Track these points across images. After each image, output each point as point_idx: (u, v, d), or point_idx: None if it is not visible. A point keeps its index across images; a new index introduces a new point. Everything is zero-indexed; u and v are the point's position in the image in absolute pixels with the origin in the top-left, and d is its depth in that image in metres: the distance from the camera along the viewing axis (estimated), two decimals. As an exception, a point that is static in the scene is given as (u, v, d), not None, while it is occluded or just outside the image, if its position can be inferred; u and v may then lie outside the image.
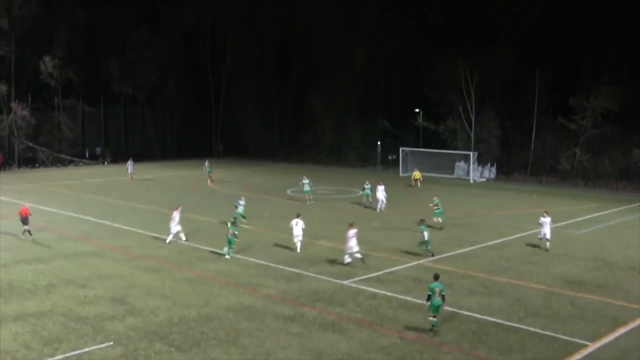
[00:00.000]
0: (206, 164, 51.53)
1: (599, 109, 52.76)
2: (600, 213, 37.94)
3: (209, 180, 49.73)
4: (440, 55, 58.92)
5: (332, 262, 24.57)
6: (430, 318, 17.20)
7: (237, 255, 25.38)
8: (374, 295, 20.35)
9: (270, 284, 21.56)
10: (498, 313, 18.78)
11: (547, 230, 27.09)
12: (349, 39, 66.81)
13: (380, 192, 37.13)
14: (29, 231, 28.52)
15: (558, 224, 33.47)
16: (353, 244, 23.99)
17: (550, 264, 24.88)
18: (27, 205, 30.52)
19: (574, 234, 31.23)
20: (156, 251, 26.10)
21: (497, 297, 20.33)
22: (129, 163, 52.89)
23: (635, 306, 19.61)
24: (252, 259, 24.92)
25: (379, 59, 67.71)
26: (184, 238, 27.77)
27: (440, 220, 32.09)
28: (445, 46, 59.40)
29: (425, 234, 25.57)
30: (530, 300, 20.08)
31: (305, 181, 40.29)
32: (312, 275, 22.67)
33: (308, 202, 39.21)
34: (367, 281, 21.96)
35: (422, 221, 26.55)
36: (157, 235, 29.04)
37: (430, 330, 17.16)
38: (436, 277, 17.74)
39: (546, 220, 27.16)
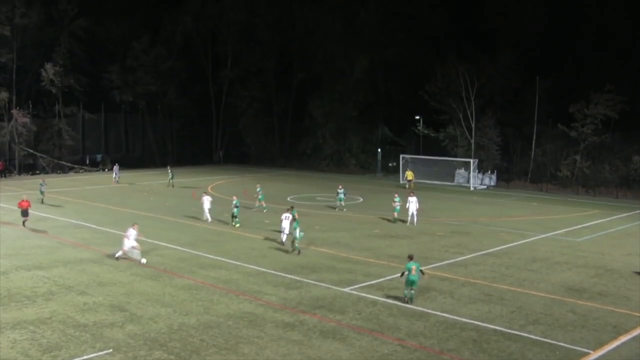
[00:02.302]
0: (169, 170, 53.09)
1: (598, 116, 52.80)
2: (601, 220, 37.88)
3: (170, 186, 51.29)
4: (441, 63, 59.05)
5: (333, 269, 24.53)
6: (405, 291, 20.17)
7: (237, 262, 25.36)
8: (374, 303, 20.29)
9: (270, 291, 21.50)
10: (499, 321, 18.72)
11: None
12: (349, 46, 66.96)
13: (413, 204, 35.42)
14: (24, 222, 32.51)
15: (559, 231, 33.57)
16: (285, 225, 28.56)
17: (551, 272, 24.82)
18: (25, 197, 33.83)
19: (574, 242, 31.17)
20: (156, 258, 26.02)
21: (498, 305, 20.26)
22: (115, 168, 55.52)
23: (637, 314, 19.54)
24: (252, 266, 24.88)
25: (379, 65, 67.86)
26: (140, 258, 25.04)
27: (396, 215, 35.42)
28: (446, 53, 59.57)
29: (297, 230, 26.91)
30: (531, 307, 20.01)
31: (258, 189, 40.32)
32: (312, 282, 22.61)
33: (257, 207, 39.11)
34: (368, 288, 21.90)
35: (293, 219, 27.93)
36: (158, 242, 29.00)
37: (409, 300, 20.10)
38: (410, 257, 20.43)
39: None
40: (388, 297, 20.86)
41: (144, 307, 19.59)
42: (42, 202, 41.42)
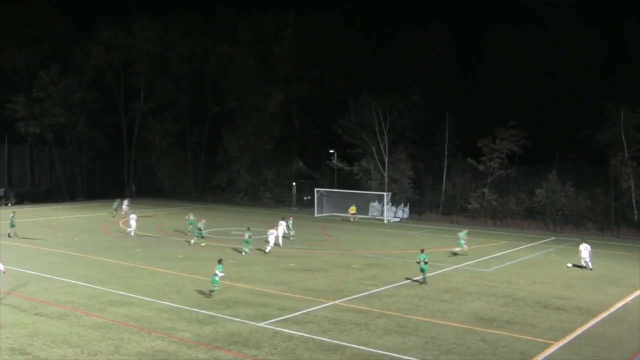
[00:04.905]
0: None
1: (504, 151, 55.15)
2: (508, 251, 39.33)
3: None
4: (354, 98, 60.31)
5: (248, 303, 24.21)
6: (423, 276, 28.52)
7: (149, 299, 24.61)
8: (290, 337, 20.12)
9: (184, 327, 20.96)
10: (413, 351, 18.95)
11: (585, 255, 32.86)
12: (263, 81, 67.32)
13: (281, 228, 39.46)
14: None
15: (469, 262, 34.58)
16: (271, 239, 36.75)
17: (462, 302, 25.46)
18: None
19: (484, 272, 32.16)
20: (63, 297, 24.89)
21: (412, 336, 20.54)
22: (125, 201, 56.52)
23: (541, 340, 20.29)
24: (165, 302, 24.19)
25: (294, 100, 68.54)
26: None
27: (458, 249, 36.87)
28: (359, 89, 60.96)
29: (218, 272, 25.23)
30: (444, 337, 20.40)
31: (194, 219, 43.39)
32: (227, 317, 22.22)
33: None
34: (284, 322, 21.73)
35: (220, 261, 26.02)
36: (65, 279, 27.80)
37: (424, 281, 28.49)
38: (422, 250, 29.18)
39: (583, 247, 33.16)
40: (304, 330, 20.75)
41: (48, 349, 18.60)
42: (16, 235, 41.14)
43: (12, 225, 41.44)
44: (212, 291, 25.16)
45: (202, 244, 38.33)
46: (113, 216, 53.14)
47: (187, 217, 44.67)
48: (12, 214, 42.87)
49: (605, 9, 59.65)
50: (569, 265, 33.91)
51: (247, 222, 48.76)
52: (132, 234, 42.20)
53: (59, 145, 72.70)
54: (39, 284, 26.96)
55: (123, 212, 53.93)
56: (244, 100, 68.55)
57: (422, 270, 28.40)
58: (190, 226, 43.31)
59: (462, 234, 37.44)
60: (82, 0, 73.36)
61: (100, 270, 30.60)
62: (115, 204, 55.62)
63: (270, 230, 37.06)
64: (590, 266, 32.75)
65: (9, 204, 63.07)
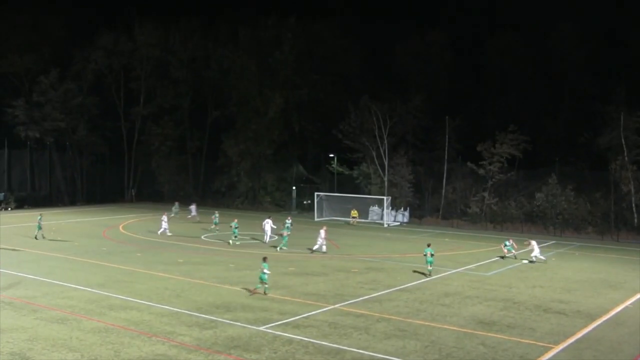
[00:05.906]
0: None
1: (504, 155, 55.23)
2: (508, 255, 39.23)
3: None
4: (354, 102, 60.40)
5: (248, 307, 24.21)
6: (428, 268, 31.20)
7: (149, 303, 24.60)
8: (290, 341, 20.11)
9: (184, 331, 20.95)
10: (413, 356, 18.94)
11: (536, 251, 36.33)
12: (263, 86, 67.43)
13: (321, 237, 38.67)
14: None
15: (469, 266, 34.60)
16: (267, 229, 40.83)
17: (463, 305, 25.44)
18: None
19: (484, 276, 32.16)
20: (63, 301, 24.87)
21: (412, 340, 20.53)
22: (193, 207, 56.20)
23: (541, 344, 20.28)
24: (165, 307, 24.19)
25: (294, 105, 68.62)
26: None
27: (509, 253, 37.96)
28: (359, 93, 61.07)
29: (266, 271, 26.03)
30: (444, 341, 20.38)
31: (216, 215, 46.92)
32: (227, 321, 22.21)
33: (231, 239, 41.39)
34: (284, 326, 21.72)
35: (264, 259, 26.54)
36: (65, 284, 27.79)
37: (429, 274, 30.98)
38: (428, 245, 31.90)
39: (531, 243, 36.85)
40: (304, 335, 20.74)
41: (48, 353, 18.59)
42: (44, 237, 41.48)
43: (40, 228, 41.69)
44: (265, 289, 26.14)
45: (238, 243, 40.50)
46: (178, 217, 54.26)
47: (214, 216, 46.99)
48: (39, 217, 42.84)
49: (605, 13, 59.83)
50: (533, 261, 36.19)
51: (247, 226, 48.78)
52: (168, 233, 44.38)
53: (59, 150, 72.78)
54: (39, 288, 26.95)
55: (193, 216, 54.96)
56: (244, 105, 68.60)
57: (429, 262, 30.92)
58: (215, 225, 46.01)
59: (508, 243, 38.36)
60: (82, 5, 73.48)
61: (100, 274, 30.60)
62: (175, 207, 55.94)
63: (320, 231, 38.12)
64: (542, 258, 36.44)
65: (9, 209, 63.08)
